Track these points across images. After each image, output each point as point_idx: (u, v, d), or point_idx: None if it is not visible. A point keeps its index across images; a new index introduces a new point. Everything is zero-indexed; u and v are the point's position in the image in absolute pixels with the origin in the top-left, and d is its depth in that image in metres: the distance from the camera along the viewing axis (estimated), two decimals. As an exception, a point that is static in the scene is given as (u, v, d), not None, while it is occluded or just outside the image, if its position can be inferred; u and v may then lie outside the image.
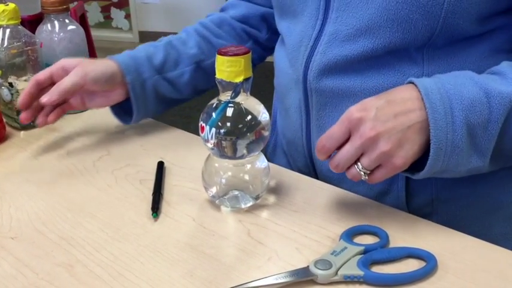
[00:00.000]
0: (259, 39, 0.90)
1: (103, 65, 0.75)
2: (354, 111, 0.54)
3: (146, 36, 4.37)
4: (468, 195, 0.66)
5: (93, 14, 4.48)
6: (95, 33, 3.60)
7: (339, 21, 0.63)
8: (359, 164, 0.54)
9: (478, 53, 0.61)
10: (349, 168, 0.55)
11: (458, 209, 0.67)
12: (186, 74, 0.82)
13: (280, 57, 0.75)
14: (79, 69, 0.72)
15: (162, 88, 0.81)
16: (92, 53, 3.29)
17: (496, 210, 0.67)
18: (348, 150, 0.54)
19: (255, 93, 0.60)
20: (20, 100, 0.72)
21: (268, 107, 0.79)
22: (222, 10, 0.92)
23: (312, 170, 0.74)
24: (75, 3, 3.79)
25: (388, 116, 0.52)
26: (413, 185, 0.66)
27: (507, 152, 0.57)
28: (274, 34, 0.89)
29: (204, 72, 0.84)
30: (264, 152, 0.86)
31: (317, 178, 0.73)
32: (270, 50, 0.93)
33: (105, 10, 4.52)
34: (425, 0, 0.57)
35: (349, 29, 0.62)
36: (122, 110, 0.81)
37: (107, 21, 4.53)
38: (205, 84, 0.86)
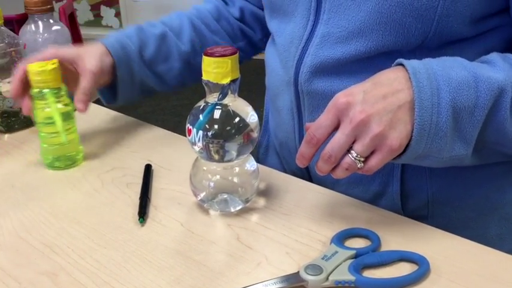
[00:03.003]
0: (252, 40, 0.89)
1: (100, 59, 0.74)
2: (340, 97, 0.52)
3: (137, 35, 4.34)
4: (464, 196, 0.65)
5: (83, 12, 4.43)
6: (84, 31, 3.56)
7: (330, 23, 0.62)
8: (353, 152, 0.51)
9: (472, 55, 0.60)
10: (342, 158, 0.52)
11: (454, 210, 0.66)
12: (175, 70, 0.82)
13: (271, 57, 0.74)
14: (87, 72, 0.72)
15: (150, 80, 0.81)
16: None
17: (492, 211, 0.67)
18: (339, 137, 0.51)
19: (246, 91, 0.59)
20: (13, 89, 0.70)
21: (260, 105, 0.78)
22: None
23: (305, 172, 0.72)
24: (64, 1, 3.76)
25: (377, 98, 0.50)
26: (408, 187, 0.65)
27: (490, 144, 0.56)
28: (266, 35, 0.88)
29: (194, 69, 0.83)
30: (256, 152, 0.86)
31: (311, 180, 0.72)
32: (260, 50, 0.91)
33: (95, 8, 4.47)
34: (418, 3, 0.56)
35: (341, 31, 0.61)
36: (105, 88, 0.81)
37: (96, 20, 4.49)
38: (193, 79, 0.85)
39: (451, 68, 0.52)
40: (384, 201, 0.66)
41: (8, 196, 0.66)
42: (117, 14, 4.39)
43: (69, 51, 0.73)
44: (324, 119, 0.52)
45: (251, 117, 0.59)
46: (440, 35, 0.58)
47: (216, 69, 0.55)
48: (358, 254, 0.52)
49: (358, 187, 0.67)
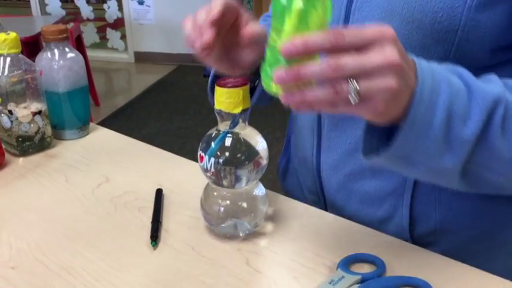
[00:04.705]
0: None
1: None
2: (388, 27, 0.46)
3: (142, 57, 4.40)
4: (473, 227, 0.66)
5: (89, 34, 4.51)
6: (90, 53, 3.62)
7: None
8: (354, 82, 0.45)
9: None
10: (338, 81, 0.45)
11: (462, 240, 0.67)
12: None
13: None
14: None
15: None
16: (87, 73, 3.32)
17: (501, 245, 0.67)
18: (362, 59, 0.44)
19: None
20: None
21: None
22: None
23: (319, 189, 0.74)
24: (72, 24, 3.81)
25: (409, 64, 0.48)
26: (417, 213, 0.67)
27: (478, 167, 0.54)
28: None
29: None
30: (276, 172, 0.88)
31: (324, 198, 0.74)
32: None
33: (101, 31, 4.55)
34: (439, 26, 0.57)
35: None
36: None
37: (102, 42, 4.56)
38: None
39: (452, 74, 0.52)
40: (393, 225, 0.68)
41: (23, 219, 0.68)
42: (123, 37, 4.46)
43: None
44: (365, 32, 0.45)
45: (260, 145, 0.61)
46: (460, 60, 0.58)
47: (228, 99, 0.58)
48: (364, 279, 0.54)
49: (368, 209, 0.69)
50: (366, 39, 0.45)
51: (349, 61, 0.44)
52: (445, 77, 0.51)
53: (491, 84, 0.53)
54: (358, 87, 0.45)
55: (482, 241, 0.66)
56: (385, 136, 0.52)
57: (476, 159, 0.53)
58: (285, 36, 0.46)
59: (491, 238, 0.66)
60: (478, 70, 0.61)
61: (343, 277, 0.54)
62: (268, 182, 0.80)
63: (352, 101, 0.45)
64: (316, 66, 0.45)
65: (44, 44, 0.87)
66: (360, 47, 0.45)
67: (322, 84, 0.45)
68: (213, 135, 0.61)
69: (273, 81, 0.46)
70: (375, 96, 0.46)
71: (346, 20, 0.65)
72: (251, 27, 0.63)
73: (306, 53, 0.45)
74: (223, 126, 0.60)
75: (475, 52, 0.59)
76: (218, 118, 0.61)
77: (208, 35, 0.59)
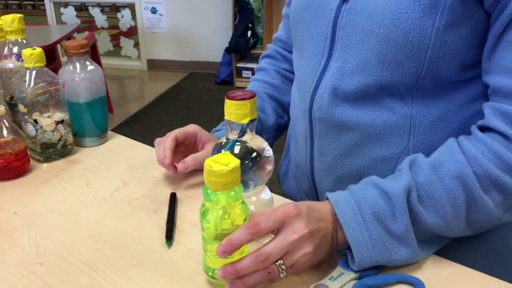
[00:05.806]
0: None
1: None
2: (291, 206, 0.58)
3: (154, 64, 4.48)
4: None
5: (103, 42, 4.59)
6: (104, 61, 3.70)
7: (340, 59, 0.70)
8: (281, 261, 0.56)
9: (463, 97, 0.67)
10: (269, 266, 0.56)
11: (450, 241, 0.69)
12: (270, 140, 0.91)
13: (293, 89, 0.83)
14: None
15: None
16: (102, 81, 3.39)
17: (481, 243, 0.71)
18: (282, 244, 0.55)
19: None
20: (168, 157, 0.79)
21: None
22: (270, 57, 0.98)
23: (313, 191, 0.80)
24: (86, 32, 3.89)
25: (316, 218, 0.58)
26: None
27: (433, 235, 0.63)
28: None
29: (283, 129, 0.95)
30: (277, 174, 0.93)
31: (318, 200, 0.79)
32: None
33: (115, 39, 4.63)
34: (411, 44, 0.63)
35: (348, 66, 0.69)
36: None
37: (116, 50, 4.65)
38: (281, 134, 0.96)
39: (366, 190, 0.61)
40: None
41: (49, 220, 0.74)
42: (136, 45, 4.55)
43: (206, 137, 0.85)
44: (274, 216, 0.57)
45: (267, 152, 0.66)
46: (432, 76, 0.65)
47: (237, 110, 0.63)
48: (361, 276, 0.59)
49: None
50: (277, 222, 0.56)
51: (274, 250, 0.55)
52: (358, 196, 0.61)
53: (400, 176, 0.62)
54: (284, 264, 0.56)
55: (464, 239, 0.70)
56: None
57: (426, 234, 0.62)
58: (211, 236, 0.56)
59: (472, 237, 0.71)
60: (452, 84, 0.67)
61: (342, 274, 0.59)
62: (269, 185, 0.85)
63: (282, 275, 0.56)
64: (250, 262, 0.54)
65: (63, 57, 0.93)
66: (275, 229, 0.56)
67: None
68: (223, 143, 0.66)
69: (213, 272, 0.58)
70: (299, 263, 0.57)
71: (333, 37, 0.71)
72: (184, 165, 0.79)
73: (235, 251, 0.54)
74: (232, 135, 0.66)
75: (445, 68, 0.65)
76: (227, 128, 0.66)
77: (170, 171, 0.80)
